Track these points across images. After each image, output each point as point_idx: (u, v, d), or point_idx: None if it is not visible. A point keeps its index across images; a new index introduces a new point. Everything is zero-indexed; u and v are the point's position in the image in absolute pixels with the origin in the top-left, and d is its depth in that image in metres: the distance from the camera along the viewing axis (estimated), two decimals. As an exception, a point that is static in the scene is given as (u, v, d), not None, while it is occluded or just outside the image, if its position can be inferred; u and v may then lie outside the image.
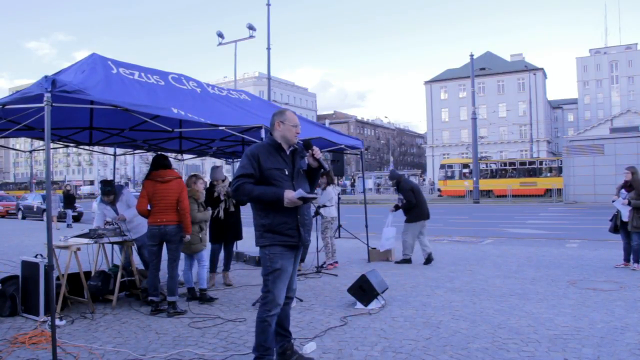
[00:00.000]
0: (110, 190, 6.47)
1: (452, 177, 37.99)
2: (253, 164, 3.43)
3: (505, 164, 37.52)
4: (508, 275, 7.28)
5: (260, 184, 3.44)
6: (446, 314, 5.14)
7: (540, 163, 36.76)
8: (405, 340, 4.31)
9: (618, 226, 7.77)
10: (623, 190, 7.63)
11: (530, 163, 36.79)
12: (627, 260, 7.70)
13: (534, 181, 34.62)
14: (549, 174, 34.90)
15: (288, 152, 3.61)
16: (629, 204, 7.39)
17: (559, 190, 29.66)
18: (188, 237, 5.63)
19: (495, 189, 35.53)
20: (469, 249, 10.39)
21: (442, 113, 69.60)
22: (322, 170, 3.67)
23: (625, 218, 7.54)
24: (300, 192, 3.32)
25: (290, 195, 3.32)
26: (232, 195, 3.56)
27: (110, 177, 7.15)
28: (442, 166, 40.08)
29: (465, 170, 37.30)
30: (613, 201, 7.76)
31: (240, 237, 7.24)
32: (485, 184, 35.29)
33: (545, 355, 3.89)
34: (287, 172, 3.52)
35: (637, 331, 4.44)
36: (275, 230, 3.44)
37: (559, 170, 32.99)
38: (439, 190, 40.42)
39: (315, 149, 3.61)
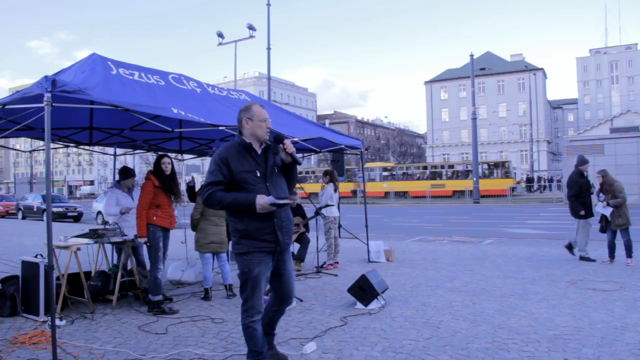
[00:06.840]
0: (132, 171, 6.46)
1: (373, 180, 41.74)
2: (222, 170, 3.24)
3: (419, 168, 43.76)
4: (508, 275, 7.28)
5: (232, 188, 3.26)
6: (446, 314, 5.14)
7: (450, 167, 42.15)
8: (405, 340, 4.31)
9: (604, 226, 8.33)
10: (601, 194, 8.28)
11: (442, 166, 42.71)
12: (611, 257, 8.17)
13: (443, 183, 39.55)
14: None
15: (259, 151, 3.38)
16: (608, 204, 8.03)
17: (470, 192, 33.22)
18: (140, 240, 5.54)
19: (411, 190, 40.05)
20: (469, 249, 10.39)
21: (442, 113, 69.67)
22: (297, 164, 3.44)
23: (610, 217, 8.12)
24: (272, 199, 3.15)
25: (262, 202, 3.14)
26: (204, 204, 3.33)
27: (110, 178, 7.12)
28: (366, 169, 45.81)
29: (385, 173, 42.79)
30: (595, 205, 8.36)
31: None
32: (403, 185, 40.75)
33: (545, 355, 3.89)
34: (259, 174, 3.30)
35: (637, 331, 4.44)
36: (251, 236, 3.27)
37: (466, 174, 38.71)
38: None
39: (287, 143, 3.33)
